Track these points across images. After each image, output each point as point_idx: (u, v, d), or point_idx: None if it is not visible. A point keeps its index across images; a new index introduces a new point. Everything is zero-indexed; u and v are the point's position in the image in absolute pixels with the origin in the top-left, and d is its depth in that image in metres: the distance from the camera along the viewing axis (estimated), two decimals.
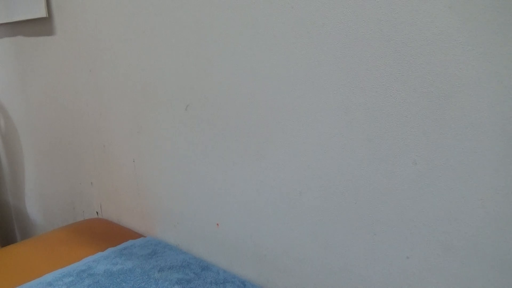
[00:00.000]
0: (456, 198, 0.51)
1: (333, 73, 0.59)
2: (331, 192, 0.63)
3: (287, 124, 0.66)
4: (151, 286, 0.72)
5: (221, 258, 0.84)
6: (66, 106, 1.18)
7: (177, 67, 0.81)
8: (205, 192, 0.83)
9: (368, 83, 0.56)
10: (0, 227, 1.70)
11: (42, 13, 1.11)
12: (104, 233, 1.00)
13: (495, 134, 0.47)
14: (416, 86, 0.52)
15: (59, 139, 1.25)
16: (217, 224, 0.83)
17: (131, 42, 0.90)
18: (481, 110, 0.48)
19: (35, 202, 1.48)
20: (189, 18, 0.76)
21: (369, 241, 0.60)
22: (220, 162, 0.79)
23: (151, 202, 0.98)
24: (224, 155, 0.77)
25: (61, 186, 1.31)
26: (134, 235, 0.98)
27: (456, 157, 0.50)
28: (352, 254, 0.63)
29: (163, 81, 0.85)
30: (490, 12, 0.45)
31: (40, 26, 1.17)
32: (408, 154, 0.54)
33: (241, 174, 0.75)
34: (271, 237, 0.73)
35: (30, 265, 0.84)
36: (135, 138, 0.97)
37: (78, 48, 1.06)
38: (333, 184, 0.63)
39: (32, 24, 1.20)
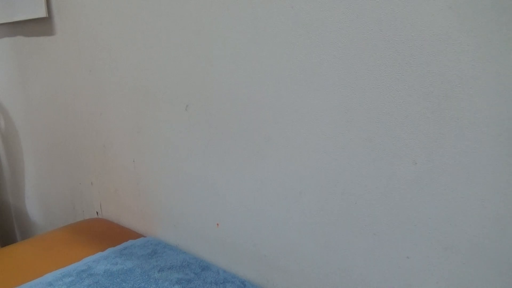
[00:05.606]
0: (456, 198, 0.51)
1: (333, 73, 0.59)
2: (331, 192, 0.63)
3: (287, 124, 0.66)
4: (151, 286, 0.72)
5: (221, 258, 0.84)
6: (66, 106, 1.18)
7: (177, 67, 0.81)
8: (205, 192, 0.83)
9: (368, 83, 0.56)
10: (0, 227, 1.70)
11: (42, 13, 1.11)
12: (104, 233, 1.00)
13: (495, 134, 0.47)
14: (416, 86, 0.52)
15: (59, 139, 1.25)
16: (217, 224, 0.83)
17: (131, 42, 0.90)
18: (481, 110, 0.48)
19: (35, 202, 1.48)
20: (189, 18, 0.76)
21: (369, 241, 0.60)
22: (220, 162, 0.79)
23: (151, 202, 0.98)
24: (224, 155, 0.77)
25: (61, 186, 1.31)
26: (134, 235, 0.98)
27: (456, 157, 0.50)
28: (352, 254, 0.63)
29: (163, 81, 0.85)
30: (490, 12, 0.45)
31: (40, 26, 1.17)
32: (408, 154, 0.54)
33: (241, 174, 0.75)
34: (271, 237, 0.73)
35: (30, 265, 0.84)
36: (135, 138, 0.97)
37: (78, 48, 1.06)
38: (333, 184, 0.63)
39: (32, 24, 1.20)
